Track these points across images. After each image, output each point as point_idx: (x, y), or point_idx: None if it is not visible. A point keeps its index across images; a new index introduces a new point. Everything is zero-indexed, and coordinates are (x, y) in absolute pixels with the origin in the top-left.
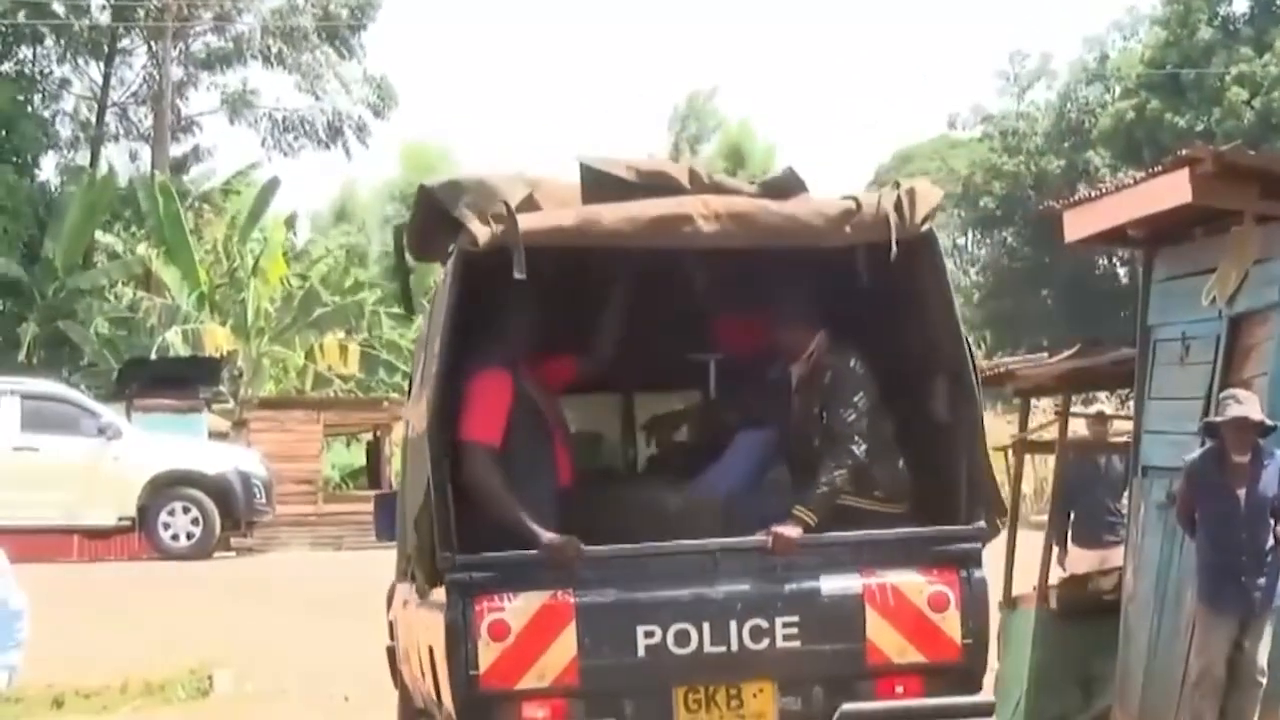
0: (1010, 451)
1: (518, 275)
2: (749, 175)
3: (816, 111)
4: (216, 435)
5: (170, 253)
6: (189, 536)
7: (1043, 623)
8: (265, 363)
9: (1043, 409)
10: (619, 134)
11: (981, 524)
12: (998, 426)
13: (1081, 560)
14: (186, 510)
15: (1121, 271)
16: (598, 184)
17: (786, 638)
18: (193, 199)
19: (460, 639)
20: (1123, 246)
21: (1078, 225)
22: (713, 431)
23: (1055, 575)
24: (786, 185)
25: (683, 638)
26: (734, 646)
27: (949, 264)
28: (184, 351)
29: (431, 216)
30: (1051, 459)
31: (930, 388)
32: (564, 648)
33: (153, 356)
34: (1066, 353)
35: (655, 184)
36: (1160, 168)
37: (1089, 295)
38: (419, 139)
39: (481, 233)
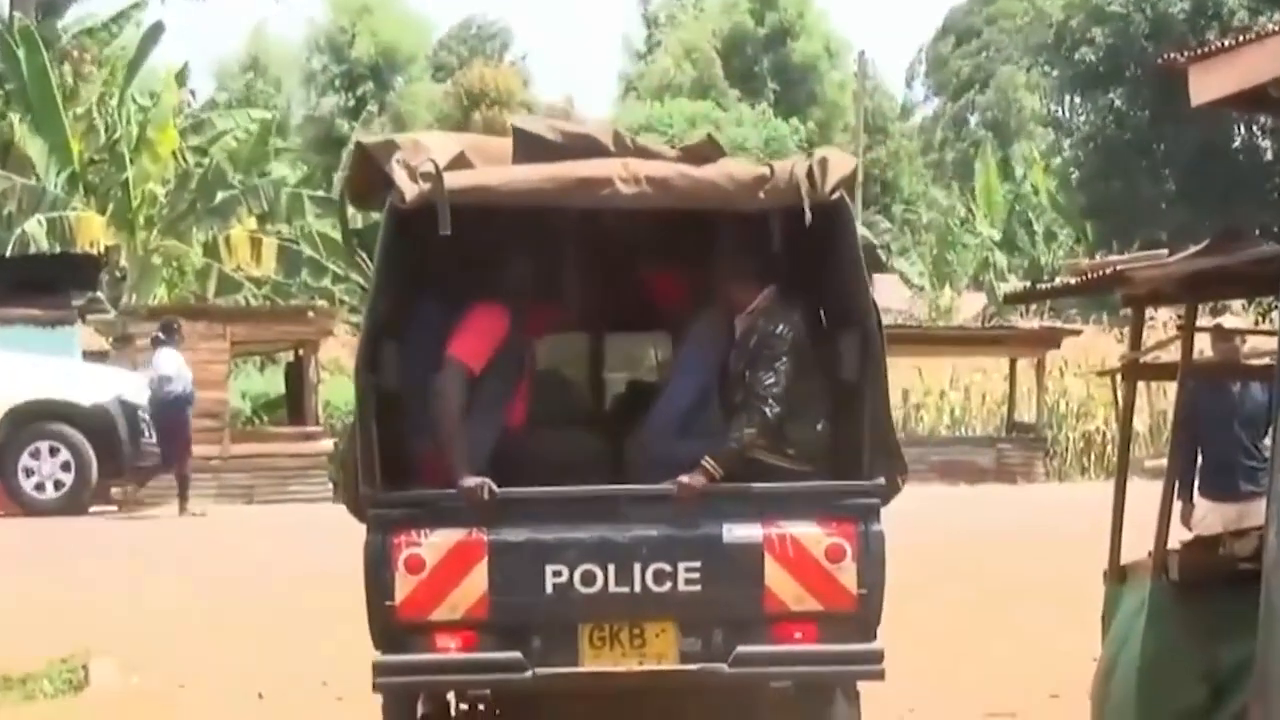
0: (1118, 377)
1: (443, 231)
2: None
3: None
4: (93, 355)
5: (34, 120)
6: (58, 486)
7: (1159, 598)
8: (155, 261)
9: (1161, 323)
10: None
11: (881, 480)
12: (1102, 344)
13: (1211, 518)
14: (54, 452)
15: (1265, 144)
16: (528, 146)
17: (688, 581)
18: (62, 46)
19: (379, 571)
20: (1265, 112)
21: (1207, 83)
22: (666, 377)
23: (1177, 537)
24: (705, 151)
25: (589, 578)
26: (638, 588)
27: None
28: (50, 247)
29: (368, 171)
30: (1172, 387)
31: (840, 347)
32: (476, 583)
33: (9, 253)
34: (1192, 249)
35: (581, 146)
36: None
37: (1221, 174)
38: None
39: (409, 189)
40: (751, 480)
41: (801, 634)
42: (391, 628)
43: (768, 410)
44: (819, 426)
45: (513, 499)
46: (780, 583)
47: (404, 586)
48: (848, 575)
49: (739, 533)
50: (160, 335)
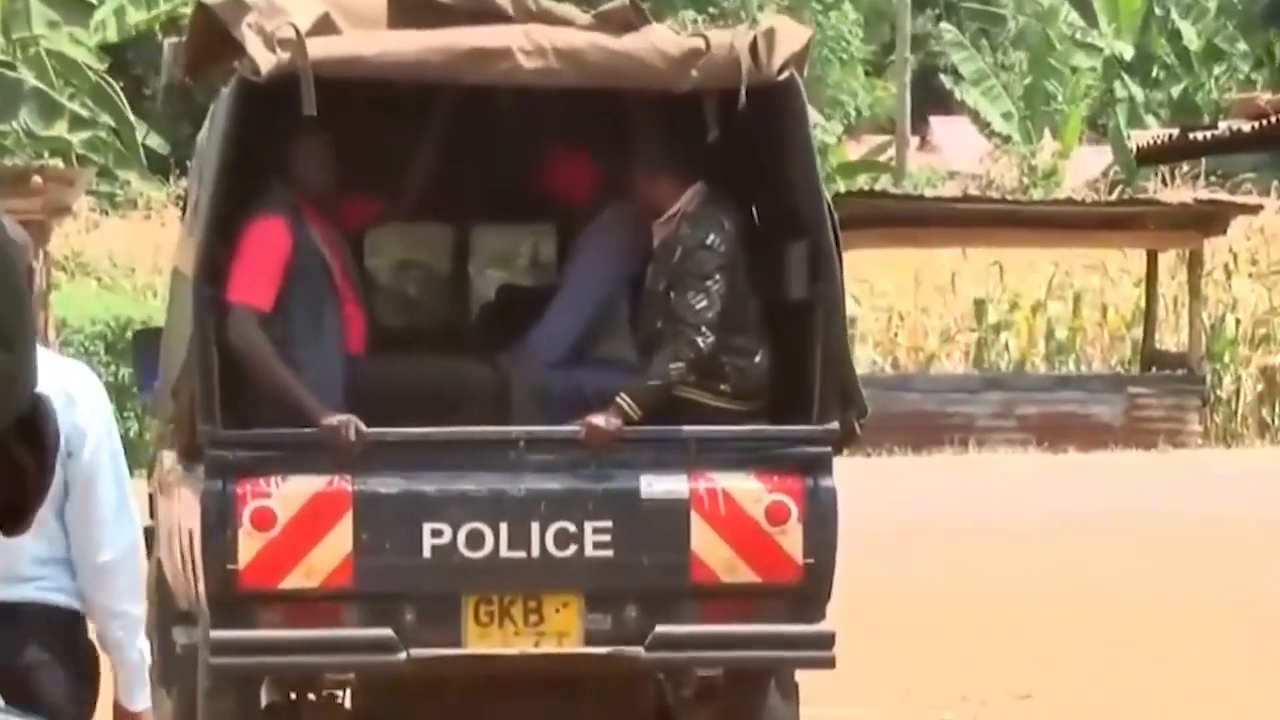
0: None
1: (306, 111)
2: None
3: None
4: None
5: None
6: None
7: None
8: None
9: None
10: None
11: (834, 424)
12: None
13: None
14: None
15: None
16: (408, 7)
17: (597, 545)
18: None
19: (218, 527)
20: None
21: None
22: (554, 282)
23: None
24: (625, 17)
25: (476, 539)
26: (535, 552)
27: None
28: None
29: (211, 37)
30: None
31: (786, 260)
32: (338, 543)
33: None
34: None
35: (472, 8)
36: None
37: None
38: None
39: (265, 60)
40: (676, 423)
41: (734, 611)
42: (232, 597)
43: (699, 340)
44: (758, 359)
45: (385, 441)
46: (709, 548)
47: (249, 547)
48: (792, 540)
49: (660, 487)
50: None
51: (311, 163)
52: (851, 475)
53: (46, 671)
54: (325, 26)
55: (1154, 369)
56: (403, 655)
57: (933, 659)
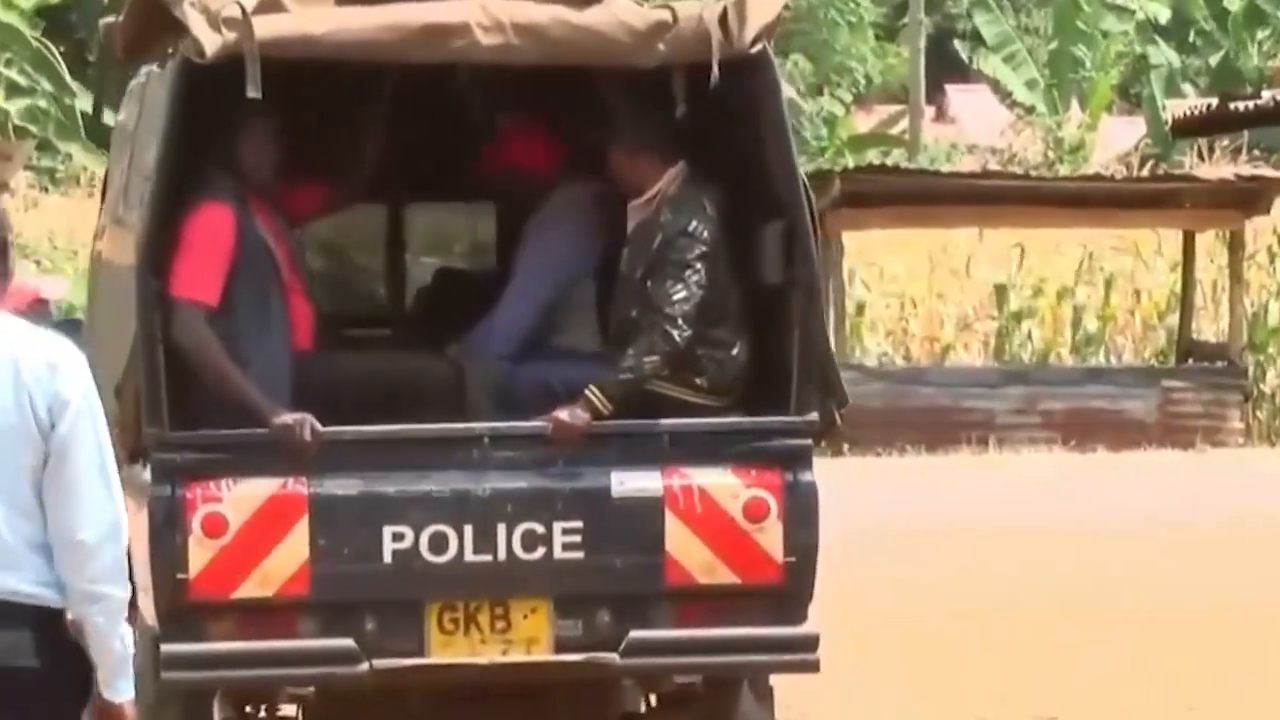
0: None
1: (251, 93)
2: None
3: None
4: None
5: None
6: None
7: None
8: None
9: None
10: None
11: (813, 415)
12: None
13: None
14: None
15: None
16: None
17: (567, 547)
18: None
19: (166, 534)
20: None
21: None
22: (502, 263)
23: None
24: None
25: (439, 542)
26: (502, 555)
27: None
28: None
29: (149, 17)
30: None
31: (761, 243)
32: (293, 549)
33: None
34: None
35: None
36: None
37: None
38: None
39: (210, 41)
40: (649, 416)
41: (712, 614)
42: (182, 608)
43: (675, 333)
44: (735, 351)
45: (342, 440)
46: (685, 548)
47: (200, 555)
48: (771, 539)
49: (633, 484)
50: None
51: (255, 148)
52: (860, 475)
53: (39, 674)
54: (271, 5)
55: (1191, 361)
56: (364, 666)
57: (944, 674)
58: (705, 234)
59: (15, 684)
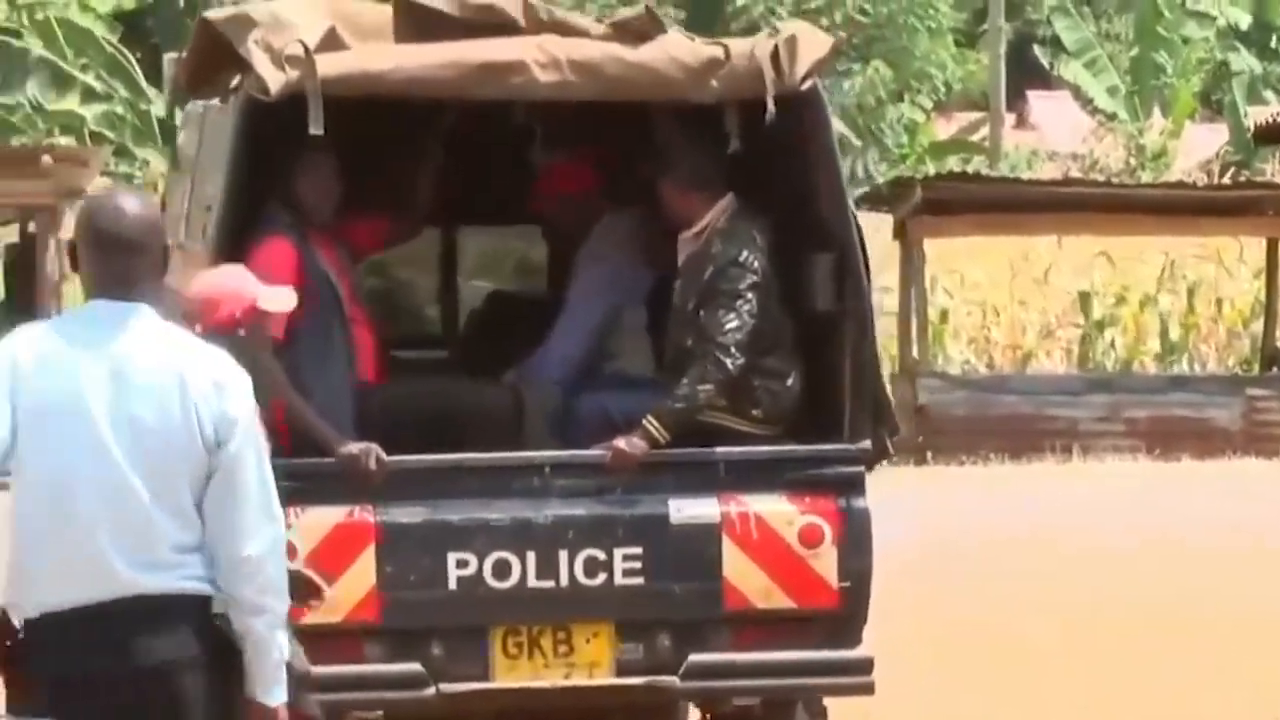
0: None
1: (314, 130)
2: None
3: None
4: None
5: None
6: None
7: None
8: None
9: None
10: None
11: (867, 443)
12: None
13: None
14: None
15: None
16: (414, 17)
17: (627, 573)
18: None
19: None
20: None
21: None
22: (553, 287)
23: None
24: (642, 26)
25: (503, 569)
26: (564, 581)
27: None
28: None
29: (213, 52)
30: None
31: (813, 275)
32: (361, 576)
33: None
34: None
35: (484, 21)
36: None
37: None
38: None
39: (274, 79)
40: (704, 444)
41: (769, 638)
42: None
43: (729, 362)
44: (790, 381)
45: (407, 469)
46: (742, 574)
47: None
48: (826, 564)
49: (690, 511)
50: None
51: (316, 184)
52: (943, 484)
53: (192, 669)
54: (332, 42)
55: (1275, 369)
56: (431, 690)
57: (1027, 683)
58: (756, 264)
59: (181, 674)
